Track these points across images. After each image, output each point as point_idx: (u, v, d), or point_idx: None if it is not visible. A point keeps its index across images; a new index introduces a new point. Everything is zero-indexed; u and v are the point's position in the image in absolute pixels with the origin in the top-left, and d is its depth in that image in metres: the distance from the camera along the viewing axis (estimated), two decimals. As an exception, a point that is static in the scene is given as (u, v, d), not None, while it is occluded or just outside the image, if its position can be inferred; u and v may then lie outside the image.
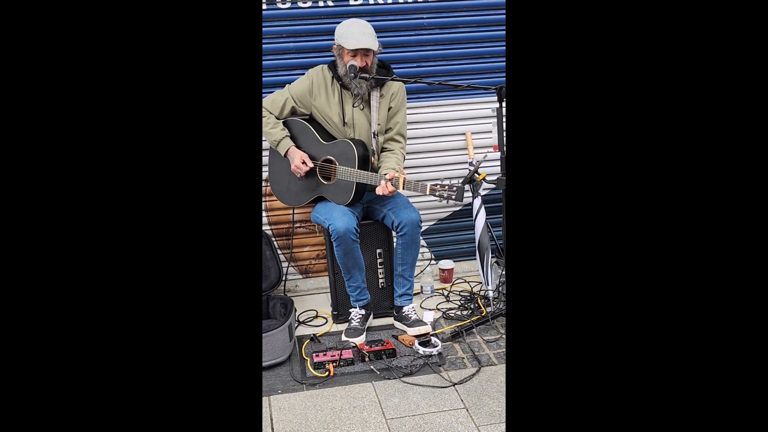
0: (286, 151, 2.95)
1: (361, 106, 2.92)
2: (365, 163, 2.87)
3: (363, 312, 2.99)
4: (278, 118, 2.98)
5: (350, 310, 3.01)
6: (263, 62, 3.14)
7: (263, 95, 3.03)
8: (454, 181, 3.40)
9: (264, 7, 3.11)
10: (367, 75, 2.81)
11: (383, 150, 3.00)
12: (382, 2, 3.20)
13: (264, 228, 3.34)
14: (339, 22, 2.97)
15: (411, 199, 3.04)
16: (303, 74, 3.04)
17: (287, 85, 3.00)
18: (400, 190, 2.73)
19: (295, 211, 3.33)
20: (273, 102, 2.97)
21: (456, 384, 2.54)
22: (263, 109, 2.96)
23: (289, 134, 2.97)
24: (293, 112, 3.00)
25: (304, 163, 2.91)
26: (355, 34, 2.79)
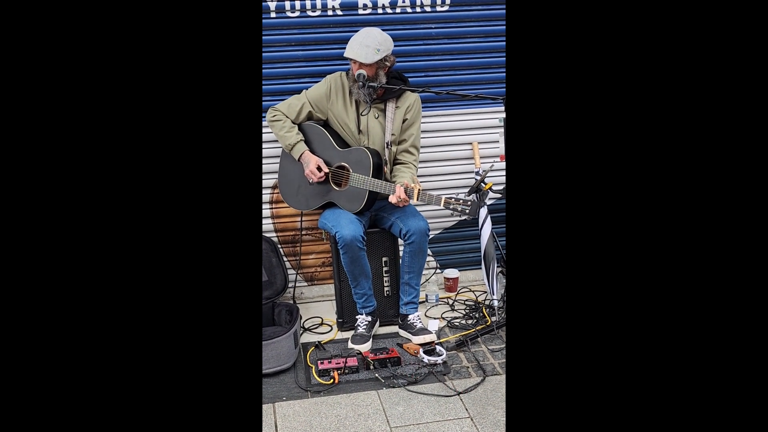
0: (300, 155, 2.96)
1: (376, 114, 2.93)
2: (379, 171, 2.88)
3: (369, 319, 2.99)
4: (294, 123, 3.00)
5: (356, 317, 3.02)
6: (272, 70, 3.17)
7: (272, 102, 3.05)
8: (460, 191, 3.40)
9: (273, 15, 3.13)
10: (375, 84, 2.83)
11: (396, 162, 3.02)
12: (391, 12, 3.21)
13: (270, 235, 3.34)
14: (348, 31, 3.00)
15: (418, 208, 3.04)
16: (311, 82, 3.07)
17: (304, 90, 3.02)
18: (414, 201, 2.74)
19: (302, 218, 3.34)
20: (290, 106, 2.98)
21: (461, 393, 2.54)
22: (279, 113, 2.98)
23: (303, 138, 2.98)
24: (309, 117, 3.02)
25: (319, 168, 2.92)
26: (352, 42, 2.84)
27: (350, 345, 2.90)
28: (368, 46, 2.80)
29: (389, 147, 2.96)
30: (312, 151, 2.97)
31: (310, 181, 2.96)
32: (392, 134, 2.95)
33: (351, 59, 2.84)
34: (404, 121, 2.97)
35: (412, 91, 2.96)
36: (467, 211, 2.63)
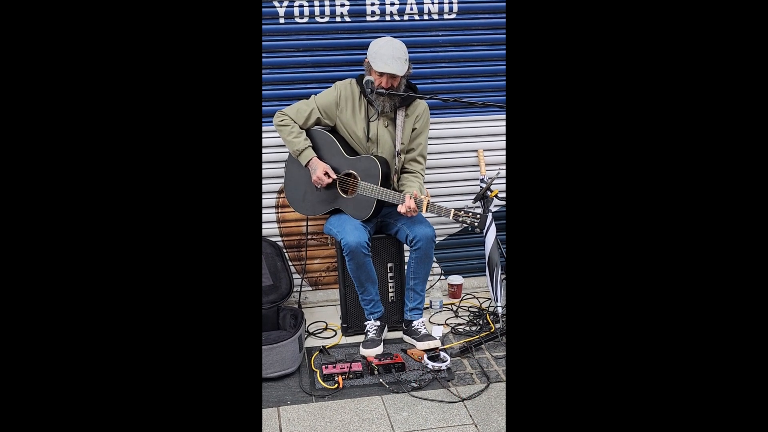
0: (308, 162, 2.96)
1: (386, 123, 2.94)
2: (387, 180, 2.89)
3: (378, 323, 2.99)
4: (302, 128, 2.99)
5: (365, 323, 3.01)
6: (280, 75, 3.19)
7: (279, 108, 3.06)
8: (465, 198, 3.42)
9: (282, 21, 3.15)
10: (383, 90, 2.83)
11: (404, 171, 3.03)
12: (399, 19, 3.24)
13: (276, 239, 3.36)
14: (356, 37, 3.01)
15: (424, 214, 3.05)
16: (319, 88, 3.08)
17: (312, 96, 3.03)
18: (423, 212, 2.74)
19: (308, 223, 3.35)
20: (298, 111, 2.97)
21: (465, 399, 2.54)
22: (287, 117, 2.96)
23: (311, 144, 2.97)
24: (317, 123, 3.02)
25: (326, 174, 2.93)
26: (385, 57, 2.81)
27: (362, 351, 2.89)
28: (399, 58, 2.81)
29: (399, 156, 2.97)
30: (320, 158, 2.97)
31: (318, 187, 2.98)
32: (402, 143, 2.96)
33: (387, 74, 2.81)
34: (413, 130, 2.98)
35: (420, 97, 2.97)
36: (476, 223, 2.63)
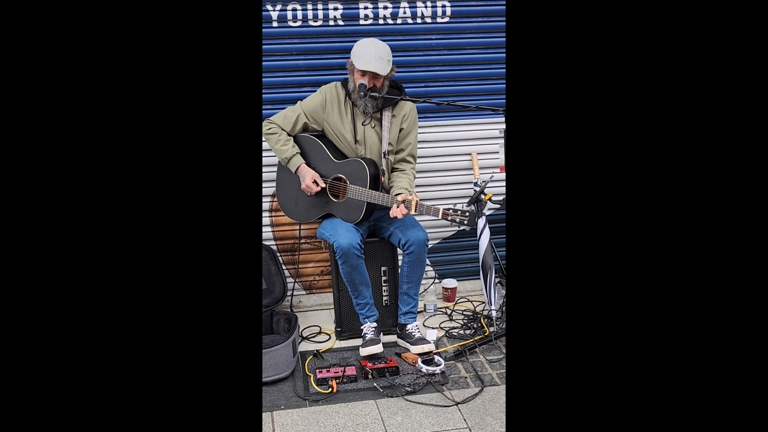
0: (297, 168, 2.97)
1: (372, 124, 2.94)
2: (376, 182, 2.89)
3: (375, 324, 2.97)
4: (290, 135, 3.00)
5: (362, 327, 2.98)
6: (273, 79, 3.19)
7: (273, 111, 3.06)
8: (458, 201, 3.42)
9: (275, 25, 3.15)
10: (376, 94, 2.84)
11: (394, 170, 3.03)
12: (392, 23, 3.24)
13: (269, 243, 3.35)
14: (349, 41, 3.01)
15: (417, 217, 3.05)
16: (312, 91, 3.07)
17: (299, 101, 3.03)
18: (412, 213, 2.74)
19: (301, 227, 3.34)
20: (285, 118, 2.99)
21: (459, 403, 2.54)
22: (275, 126, 2.98)
23: (299, 151, 2.98)
24: (305, 129, 3.02)
25: (315, 183, 2.93)
26: (367, 55, 2.82)
27: (362, 352, 2.86)
28: (382, 58, 2.82)
29: (386, 156, 2.97)
30: (308, 163, 2.98)
31: (308, 194, 2.98)
32: (389, 143, 2.96)
33: (369, 72, 2.82)
34: (401, 130, 2.98)
35: (413, 101, 2.97)
36: (465, 222, 2.63)
